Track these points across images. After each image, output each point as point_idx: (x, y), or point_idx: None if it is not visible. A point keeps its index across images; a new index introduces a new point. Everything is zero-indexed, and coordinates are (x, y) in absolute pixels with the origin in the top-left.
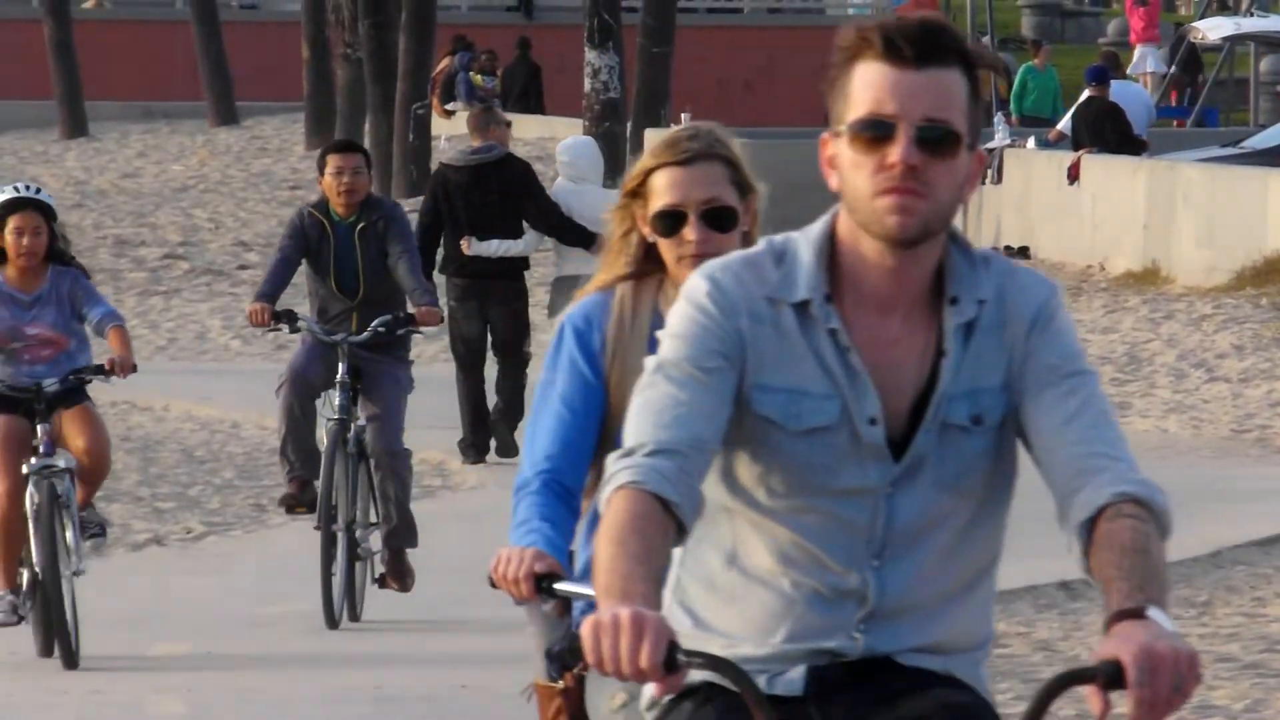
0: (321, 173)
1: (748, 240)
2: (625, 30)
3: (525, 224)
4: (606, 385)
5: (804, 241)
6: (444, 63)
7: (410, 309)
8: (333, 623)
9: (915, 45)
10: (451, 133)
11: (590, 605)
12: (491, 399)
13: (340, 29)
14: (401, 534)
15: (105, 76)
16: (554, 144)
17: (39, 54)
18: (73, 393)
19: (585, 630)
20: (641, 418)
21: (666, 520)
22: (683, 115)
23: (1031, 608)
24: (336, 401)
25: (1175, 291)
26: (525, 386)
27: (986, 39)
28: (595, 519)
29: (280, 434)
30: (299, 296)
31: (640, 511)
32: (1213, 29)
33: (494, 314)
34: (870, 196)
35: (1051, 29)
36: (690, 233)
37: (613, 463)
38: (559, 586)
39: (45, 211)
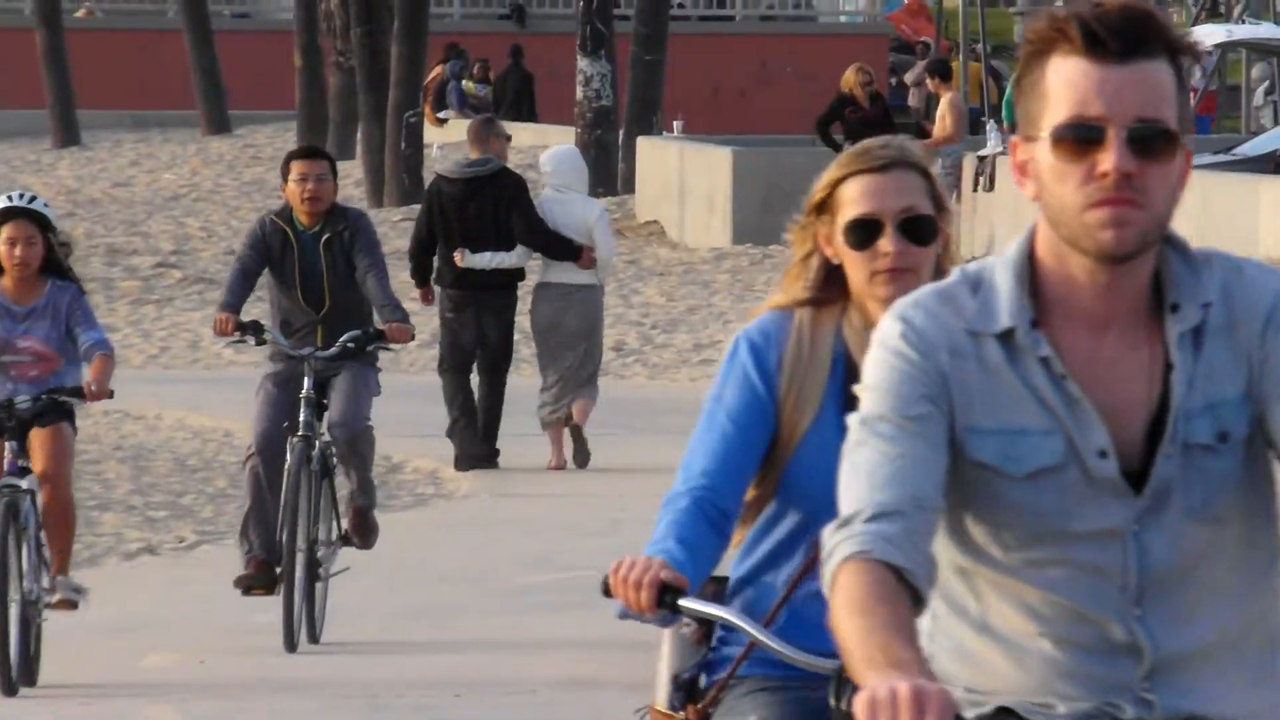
0: (285, 179)
1: (940, 270)
2: (617, 38)
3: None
4: (779, 410)
5: (1000, 266)
6: (436, 71)
7: (380, 325)
8: (291, 645)
9: (1120, 36)
10: (444, 141)
11: (726, 630)
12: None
13: (332, 37)
14: (362, 495)
15: (97, 85)
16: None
17: (31, 63)
18: (51, 413)
19: (860, 708)
20: (854, 482)
21: (901, 589)
22: (675, 123)
23: None
24: (301, 418)
25: None
26: (502, 401)
27: (978, 46)
28: (751, 551)
29: (244, 509)
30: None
31: (875, 581)
32: (1205, 36)
33: (487, 324)
34: (1080, 210)
35: None
36: (887, 244)
37: (830, 535)
38: (685, 603)
39: (39, 221)
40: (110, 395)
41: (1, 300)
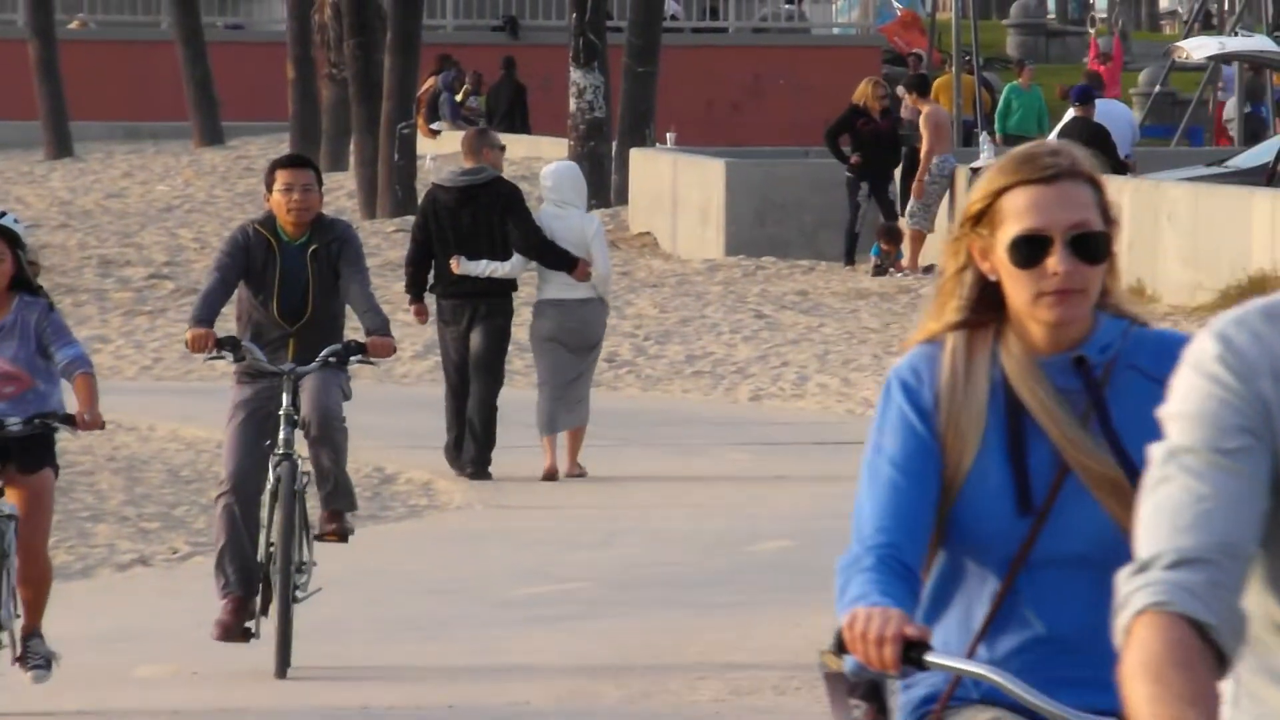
0: (269, 189)
1: (1105, 291)
2: (610, 50)
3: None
4: (942, 450)
5: None
6: (429, 82)
7: (361, 338)
8: (283, 671)
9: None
10: (437, 152)
11: (963, 685)
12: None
13: (325, 49)
14: (341, 497)
15: (90, 97)
16: (539, 164)
17: (24, 74)
18: (38, 449)
19: None
20: (1155, 522)
21: (1204, 650)
22: (668, 135)
23: None
24: (281, 435)
25: (1160, 310)
26: (495, 410)
27: (970, 59)
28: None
29: (218, 544)
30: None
31: (1174, 640)
32: (1197, 48)
33: (476, 330)
34: None
35: (1036, 48)
36: (1056, 263)
37: (1124, 581)
38: (933, 658)
39: (9, 238)
40: (102, 426)
41: None
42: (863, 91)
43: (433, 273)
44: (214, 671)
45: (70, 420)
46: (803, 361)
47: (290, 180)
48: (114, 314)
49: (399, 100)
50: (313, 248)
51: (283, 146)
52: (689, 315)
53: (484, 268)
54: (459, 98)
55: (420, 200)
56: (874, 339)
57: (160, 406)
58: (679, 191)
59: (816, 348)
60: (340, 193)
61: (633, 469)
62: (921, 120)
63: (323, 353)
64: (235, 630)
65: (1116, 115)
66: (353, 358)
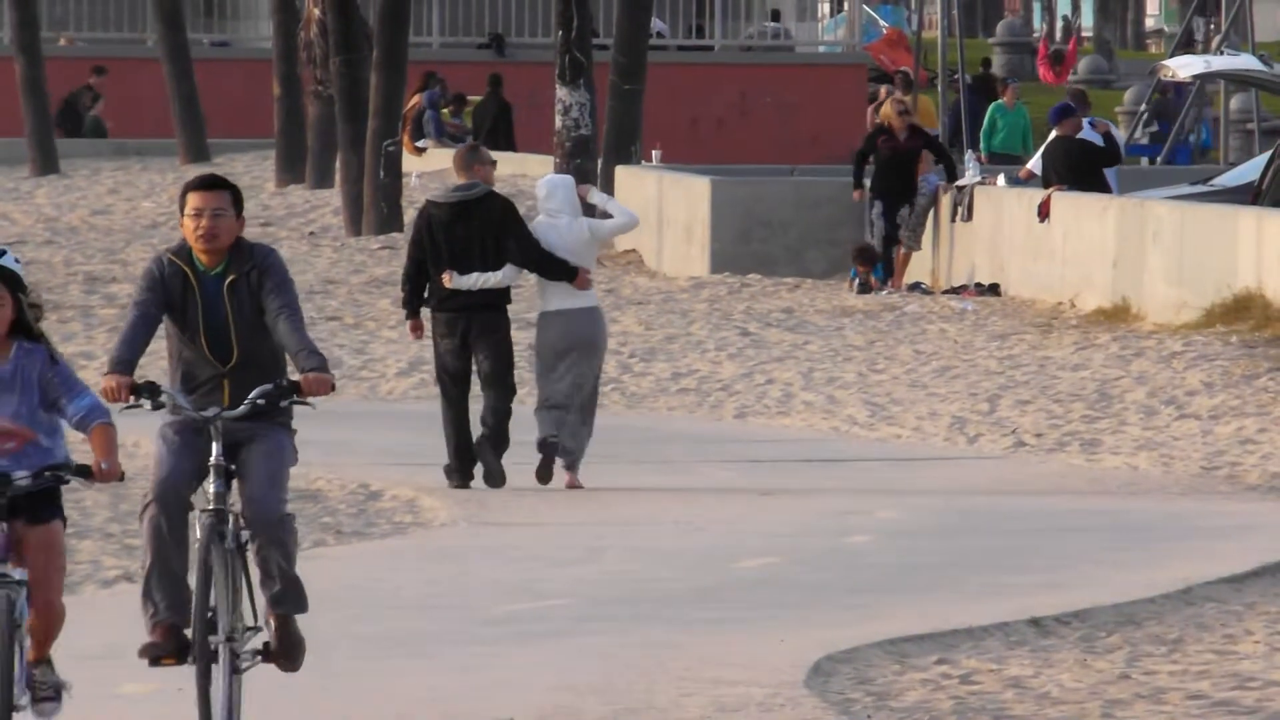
0: (181, 213)
1: None
2: (596, 67)
3: (507, 259)
4: None
5: None
6: (414, 100)
7: (295, 376)
8: None
9: None
10: (422, 170)
11: None
12: (476, 430)
13: (311, 66)
14: (289, 598)
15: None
16: (526, 181)
17: (10, 91)
18: (45, 500)
19: None
20: None
21: None
22: (654, 153)
23: (1002, 644)
24: (211, 489)
25: (1145, 329)
26: (510, 415)
27: (957, 77)
28: None
29: (144, 566)
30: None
31: None
32: (1183, 67)
33: (478, 345)
34: None
35: (1022, 67)
36: None
37: None
38: None
39: (9, 281)
40: (121, 478)
41: None
42: (885, 112)
43: (427, 293)
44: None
45: (86, 472)
46: (788, 379)
47: (200, 204)
48: (99, 330)
49: (385, 118)
50: (230, 279)
51: (268, 164)
52: (674, 333)
53: (475, 280)
54: (445, 115)
55: (413, 217)
56: (859, 356)
57: (145, 423)
58: (664, 209)
59: (802, 365)
60: (326, 210)
61: (618, 485)
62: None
63: (251, 395)
64: (164, 650)
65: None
66: (284, 401)
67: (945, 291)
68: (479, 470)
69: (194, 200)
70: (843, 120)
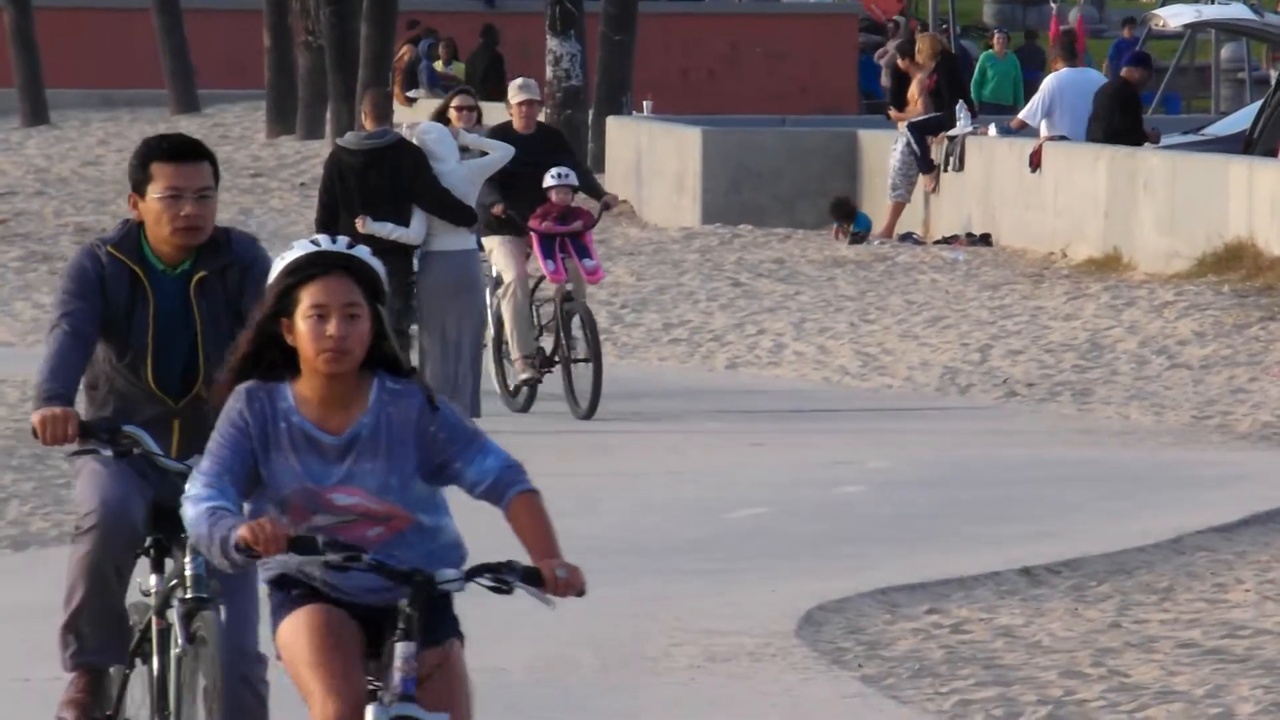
0: (140, 192)
1: None
2: (587, 18)
3: (415, 208)
4: None
5: None
6: (405, 51)
7: None
8: None
9: None
10: (413, 120)
11: None
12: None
13: (302, 17)
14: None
15: (66, 64)
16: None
17: None
18: (440, 614)
19: None
20: None
21: None
22: (644, 103)
23: (993, 594)
24: (153, 585)
25: (1137, 279)
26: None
27: (947, 26)
28: None
29: (73, 601)
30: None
31: None
32: (1174, 16)
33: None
34: None
35: (1013, 17)
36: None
37: None
38: None
39: (366, 281)
40: (582, 591)
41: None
42: (924, 47)
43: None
44: None
45: (536, 578)
46: (779, 329)
47: (179, 182)
48: None
49: (375, 68)
50: (198, 277)
51: (258, 115)
52: (665, 283)
53: (390, 231)
54: (438, 65)
55: (325, 161)
56: (850, 307)
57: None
58: (655, 160)
59: (793, 315)
60: (316, 160)
61: (609, 436)
62: (914, 86)
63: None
64: (88, 712)
65: (1090, 81)
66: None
67: (937, 242)
68: None
69: (169, 176)
70: (834, 70)
